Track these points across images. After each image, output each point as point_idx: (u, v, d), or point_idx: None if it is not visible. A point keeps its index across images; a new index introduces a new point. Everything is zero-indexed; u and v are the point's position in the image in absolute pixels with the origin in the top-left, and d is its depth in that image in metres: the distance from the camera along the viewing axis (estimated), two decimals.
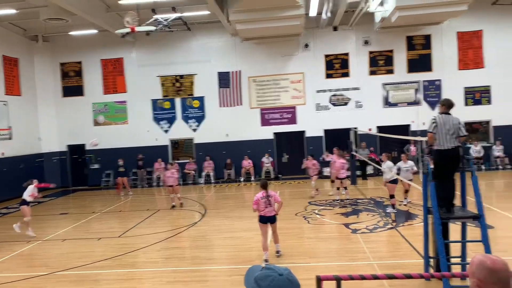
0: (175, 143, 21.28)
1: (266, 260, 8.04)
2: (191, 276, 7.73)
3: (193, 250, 9.50)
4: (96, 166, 21.11)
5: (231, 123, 20.34)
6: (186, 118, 20.81)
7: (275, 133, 20.47)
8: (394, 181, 11.65)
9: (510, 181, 16.49)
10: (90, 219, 13.52)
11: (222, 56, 20.43)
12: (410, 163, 12.04)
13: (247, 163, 20.02)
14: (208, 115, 20.66)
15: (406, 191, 12.47)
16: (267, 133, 20.43)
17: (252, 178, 19.83)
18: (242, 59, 20.29)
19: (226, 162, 20.32)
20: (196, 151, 20.88)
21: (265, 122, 20.46)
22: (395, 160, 13.55)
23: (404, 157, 12.18)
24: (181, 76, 20.73)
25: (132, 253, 9.33)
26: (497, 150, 19.00)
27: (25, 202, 11.27)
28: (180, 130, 20.82)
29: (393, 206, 11.74)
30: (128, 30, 13.88)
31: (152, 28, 15.07)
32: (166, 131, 20.93)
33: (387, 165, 11.85)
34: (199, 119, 20.75)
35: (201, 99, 20.68)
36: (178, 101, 20.84)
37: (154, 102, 20.91)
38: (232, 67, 20.37)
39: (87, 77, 21.16)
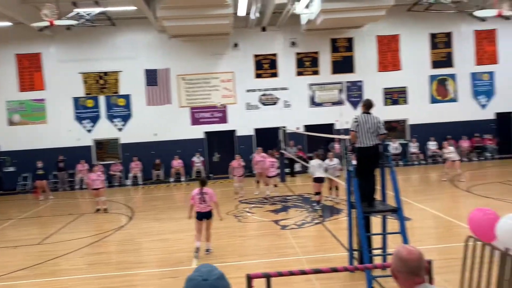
0: (99, 144, 20.34)
1: (197, 249, 8.30)
2: (118, 281, 7.45)
3: (120, 254, 9.15)
4: (11, 169, 19.56)
5: (159, 122, 19.86)
6: (111, 117, 19.97)
7: (206, 132, 20.34)
8: (320, 179, 12.05)
9: (425, 175, 17.83)
10: (6, 226, 12.52)
11: (149, 53, 19.88)
12: (336, 160, 12.53)
13: (177, 163, 19.68)
14: (135, 114, 19.99)
15: (336, 188, 12.70)
16: (198, 132, 20.24)
17: (183, 179, 19.53)
18: (170, 56, 19.89)
19: (155, 162, 19.81)
20: (122, 151, 20.11)
21: (195, 121, 20.25)
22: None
23: (331, 155, 12.65)
24: (105, 73, 19.86)
25: (53, 261, 8.77)
26: (413, 147, 20.47)
27: None
28: (105, 129, 19.93)
29: (318, 202, 12.18)
30: (46, 23, 13.00)
31: (73, 22, 14.27)
32: (89, 130, 19.94)
33: (315, 163, 12.18)
34: (125, 118, 20.02)
35: (127, 97, 19.96)
36: (102, 99, 19.94)
37: (76, 100, 19.82)
38: (160, 65, 19.90)
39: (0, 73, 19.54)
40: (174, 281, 7.11)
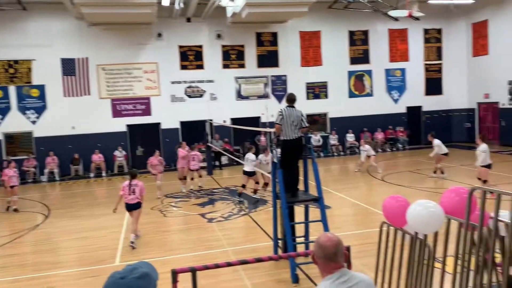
0: (10, 137, 18.78)
1: (132, 242, 8.48)
2: (34, 284, 6.99)
3: (36, 255, 8.57)
4: None
5: (78, 114, 18.78)
6: (23, 109, 18.51)
7: (128, 125, 19.63)
8: (251, 173, 12.09)
9: (344, 166, 18.78)
10: None
11: (66, 41, 18.67)
12: (271, 156, 12.38)
13: (97, 157, 18.79)
14: (50, 105, 18.71)
15: (266, 184, 12.65)
16: (120, 125, 19.45)
17: (104, 174, 18.70)
18: (89, 45, 18.84)
19: (73, 157, 18.74)
20: (36, 145, 18.75)
21: (116, 113, 19.44)
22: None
23: (267, 151, 12.22)
24: (16, 61, 18.33)
25: None
26: (333, 139, 21.47)
27: None
28: (16, 122, 18.42)
29: (239, 194, 12.19)
30: None
31: None
32: None
33: (249, 157, 12.12)
34: (39, 110, 18.66)
35: (41, 87, 18.60)
36: (12, 90, 18.40)
37: None
38: (78, 54, 18.78)
39: None
40: (95, 280, 6.83)
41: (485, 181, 11.03)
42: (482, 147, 11.15)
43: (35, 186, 17.37)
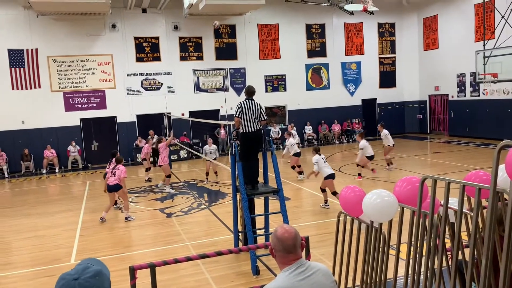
0: None
1: (101, 218, 9.71)
2: None
3: None
4: None
5: (27, 108, 17.94)
6: None
7: (82, 119, 18.97)
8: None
9: (302, 157, 19.00)
10: None
11: (13, 32, 17.73)
12: (214, 146, 13.63)
13: (49, 153, 18.06)
14: None
15: (215, 173, 13.92)
16: (73, 119, 18.76)
17: (57, 170, 18.03)
18: (38, 36, 17.99)
19: (23, 153, 17.90)
20: None
21: (69, 107, 18.73)
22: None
23: (210, 141, 13.77)
24: None
25: None
26: (296, 140, 21.68)
27: None
28: None
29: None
30: None
31: None
32: None
33: (207, 148, 13.49)
34: None
35: None
36: None
37: None
38: (26, 45, 17.89)
39: None
40: (51, 280, 6.59)
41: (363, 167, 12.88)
42: (361, 143, 12.86)
43: None
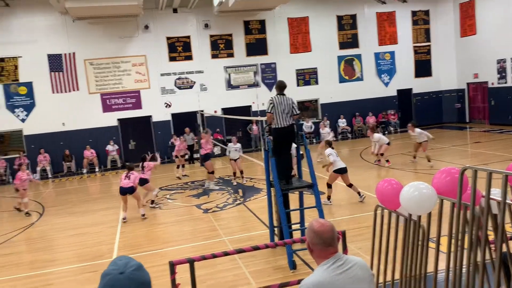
0: (0, 137, 18.62)
1: (124, 218, 9.99)
2: (32, 282, 6.98)
3: (32, 253, 8.55)
4: None
5: (67, 110, 18.62)
6: (11, 107, 18.30)
7: (119, 119, 19.50)
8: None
9: (336, 151, 18.81)
10: None
11: (52, 37, 18.41)
12: (239, 145, 13.50)
13: (89, 153, 18.69)
14: (38, 102, 18.51)
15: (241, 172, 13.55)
16: (110, 119, 19.32)
17: (97, 169, 18.63)
18: (75, 40, 18.60)
19: (65, 153, 18.62)
20: (26, 144, 18.60)
21: (107, 108, 19.29)
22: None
23: (235, 140, 13.66)
24: (1, 59, 18.06)
25: None
26: (330, 129, 21.47)
27: None
28: (5, 121, 18.22)
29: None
30: None
31: None
32: None
33: (232, 146, 13.20)
34: (28, 107, 18.45)
35: (28, 85, 18.37)
36: None
37: None
38: (64, 49, 18.54)
39: None
40: (95, 275, 6.85)
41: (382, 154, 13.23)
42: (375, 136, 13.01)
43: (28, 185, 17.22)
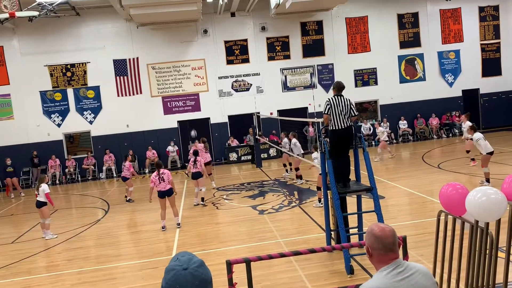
0: (70, 137, 19.91)
1: (163, 227, 9.61)
2: (97, 275, 7.38)
3: (98, 248, 9.05)
4: None
5: (131, 113, 19.54)
6: (80, 110, 19.52)
7: (179, 121, 20.15)
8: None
9: (397, 154, 18.22)
10: None
11: (117, 43, 19.44)
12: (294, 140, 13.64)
13: (151, 153, 19.46)
14: (105, 105, 19.59)
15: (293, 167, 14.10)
16: (171, 121, 20.02)
17: None
18: (139, 45, 19.50)
19: (128, 154, 19.50)
20: (94, 144, 19.75)
21: (168, 110, 20.01)
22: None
23: (290, 135, 13.85)
24: (72, 65, 19.33)
25: (29, 259, 8.61)
26: (384, 127, 20.84)
27: None
28: (75, 123, 19.49)
29: (300, 177, 13.54)
30: (6, 15, 12.49)
31: (35, 13, 13.77)
32: (58, 124, 19.44)
33: (293, 142, 13.39)
34: (95, 110, 19.60)
35: (96, 88, 19.52)
36: (70, 92, 19.44)
37: (43, 94, 19.26)
38: (128, 54, 19.49)
39: None
40: (154, 272, 7.11)
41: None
42: (476, 135, 10.59)
43: (94, 183, 18.30)
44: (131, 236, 9.65)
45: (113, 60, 19.43)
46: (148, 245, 8.78)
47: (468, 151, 13.57)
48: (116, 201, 13.80)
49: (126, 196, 13.42)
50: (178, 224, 9.74)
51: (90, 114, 19.58)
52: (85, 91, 19.49)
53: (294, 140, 13.45)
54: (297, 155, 13.16)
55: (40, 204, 9.90)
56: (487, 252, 3.72)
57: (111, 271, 7.56)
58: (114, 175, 19.15)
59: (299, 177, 13.57)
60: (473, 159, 13.11)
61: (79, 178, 19.09)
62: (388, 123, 20.78)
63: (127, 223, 10.77)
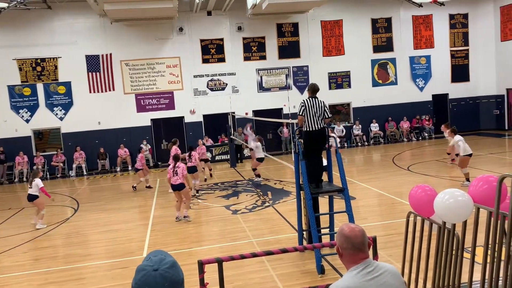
0: (39, 134, 19.36)
1: (177, 217, 9.86)
2: (65, 275, 7.20)
3: (67, 247, 8.83)
4: None
5: (103, 110, 19.16)
6: (50, 106, 19.01)
7: (152, 120, 19.89)
8: (261, 159, 13.56)
9: (368, 156, 18.57)
10: None
11: (90, 38, 19.02)
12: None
13: (123, 152, 19.15)
14: (76, 102, 19.14)
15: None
16: (144, 119, 19.74)
17: (130, 168, 19.05)
18: (112, 41, 19.14)
19: (100, 152, 19.16)
20: (64, 141, 19.26)
21: (141, 108, 19.73)
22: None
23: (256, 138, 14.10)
24: (43, 59, 18.80)
25: None
26: (357, 129, 21.22)
27: None
28: (45, 119, 18.96)
29: (258, 175, 13.93)
30: None
31: (4, 4, 13.34)
32: (27, 120, 18.87)
33: (255, 145, 13.65)
34: (66, 106, 19.12)
35: (67, 84, 19.04)
36: (40, 87, 18.90)
37: (11, 88, 18.65)
38: (101, 50, 19.11)
39: None
40: (124, 272, 7.00)
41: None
42: (456, 137, 11.16)
43: (64, 181, 17.86)
44: (101, 235, 9.47)
45: (86, 55, 19.01)
46: (119, 245, 8.64)
47: (449, 153, 14.03)
48: (86, 199, 13.51)
49: (134, 186, 14.11)
50: (185, 217, 9.88)
51: (60, 110, 19.08)
52: (56, 87, 18.99)
53: (258, 144, 13.76)
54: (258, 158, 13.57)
55: (32, 198, 10.25)
56: (454, 252, 3.84)
57: (79, 271, 7.39)
58: (85, 172, 18.74)
59: (258, 175, 13.94)
60: (453, 159, 13.70)
61: (48, 176, 18.59)
62: (360, 126, 21.15)
63: (98, 222, 10.56)
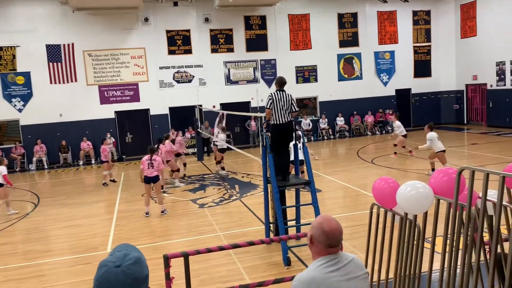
0: None
1: (146, 213, 9.68)
2: (25, 272, 6.96)
3: (26, 244, 8.52)
4: None
5: (65, 101, 18.53)
6: (8, 97, 18.20)
7: (116, 112, 19.42)
8: (223, 150, 13.98)
9: (334, 149, 18.86)
10: None
11: (51, 27, 18.30)
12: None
13: (86, 145, 18.62)
14: (36, 93, 18.41)
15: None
16: (108, 111, 19.24)
17: (93, 161, 18.57)
18: (75, 31, 18.50)
19: (61, 145, 18.55)
20: (23, 134, 18.53)
21: (104, 100, 19.21)
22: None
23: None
24: (0, 48, 17.95)
25: None
26: (323, 123, 21.50)
27: None
28: (2, 110, 18.14)
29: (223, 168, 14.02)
30: None
31: None
32: None
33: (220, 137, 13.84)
34: (25, 97, 18.36)
35: (26, 74, 18.27)
36: None
37: None
38: (63, 39, 18.43)
39: None
40: (87, 267, 6.84)
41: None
42: (431, 134, 11.34)
43: (23, 175, 17.21)
44: (63, 231, 9.19)
45: (46, 45, 18.28)
46: (81, 240, 8.41)
47: (395, 145, 14.85)
48: (47, 194, 13.08)
49: (104, 183, 13.63)
50: (163, 211, 9.71)
51: (19, 101, 18.31)
52: (14, 77, 18.19)
53: (222, 136, 14.04)
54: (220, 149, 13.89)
55: None
56: (415, 242, 3.95)
57: (40, 268, 7.15)
58: (46, 166, 18.12)
59: (222, 168, 14.06)
60: (410, 151, 14.53)
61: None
62: (326, 119, 21.43)
63: (59, 217, 10.24)
